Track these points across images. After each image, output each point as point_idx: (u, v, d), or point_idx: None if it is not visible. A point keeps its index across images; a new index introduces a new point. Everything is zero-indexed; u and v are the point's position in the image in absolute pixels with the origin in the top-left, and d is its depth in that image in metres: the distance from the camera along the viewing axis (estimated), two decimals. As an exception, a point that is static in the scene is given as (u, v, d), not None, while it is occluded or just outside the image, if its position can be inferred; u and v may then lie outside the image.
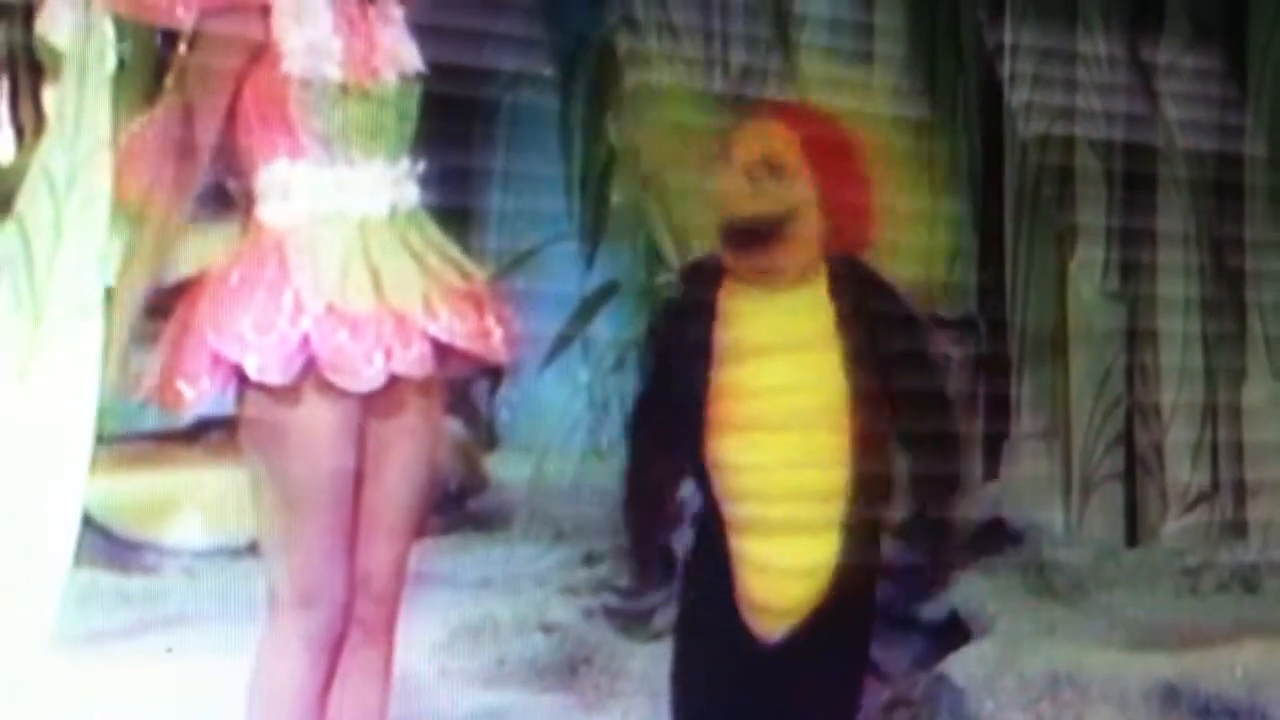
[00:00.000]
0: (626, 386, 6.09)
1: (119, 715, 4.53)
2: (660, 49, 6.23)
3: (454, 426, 6.35)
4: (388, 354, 3.25)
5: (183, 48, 3.32)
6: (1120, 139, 5.78)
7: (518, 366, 3.85)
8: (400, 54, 3.36)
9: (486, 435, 7.39)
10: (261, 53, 3.26)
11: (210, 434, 5.86)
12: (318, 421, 3.25)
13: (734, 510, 3.45)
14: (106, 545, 5.84)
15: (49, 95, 6.27)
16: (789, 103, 4.46)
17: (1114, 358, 5.78)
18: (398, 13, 3.41)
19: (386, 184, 3.33)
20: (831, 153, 3.46)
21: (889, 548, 3.54)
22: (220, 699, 3.58)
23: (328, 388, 3.23)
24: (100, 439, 4.00)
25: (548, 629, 5.02)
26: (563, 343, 6.43)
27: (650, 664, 4.73)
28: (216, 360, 3.23)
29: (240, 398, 3.28)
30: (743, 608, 3.44)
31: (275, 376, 3.21)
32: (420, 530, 3.51)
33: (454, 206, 3.91)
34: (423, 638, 4.70)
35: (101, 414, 3.89)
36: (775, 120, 3.53)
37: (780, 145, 3.45)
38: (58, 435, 4.06)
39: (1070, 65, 5.76)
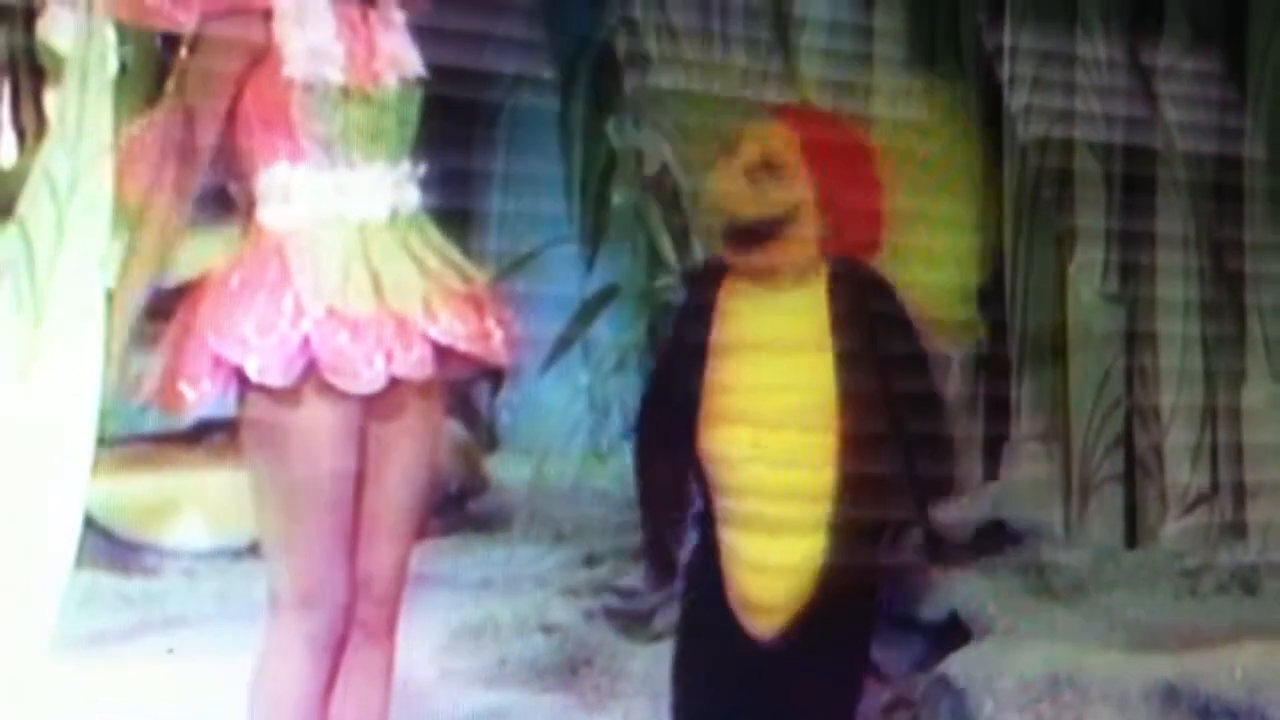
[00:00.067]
0: (627, 389, 6.10)
1: (120, 717, 4.54)
2: (660, 51, 6.24)
3: (455, 428, 6.36)
4: (388, 356, 3.26)
5: (184, 51, 3.33)
6: (1120, 141, 5.78)
7: (518, 369, 3.85)
8: (401, 58, 3.38)
9: (487, 437, 7.41)
10: (263, 56, 3.28)
11: (211, 436, 5.87)
12: (318, 423, 3.26)
13: (726, 505, 3.48)
14: (108, 547, 5.86)
15: (50, 99, 6.29)
16: (790, 104, 4.47)
17: (1113, 360, 5.78)
18: (399, 17, 3.42)
19: (387, 187, 3.34)
20: (831, 154, 3.48)
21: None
22: (222, 700, 3.59)
23: (328, 390, 3.24)
24: (101, 440, 4.00)
25: (548, 630, 5.02)
26: (563, 345, 6.43)
27: (651, 665, 4.74)
28: (217, 362, 3.24)
29: (241, 400, 3.29)
30: (735, 605, 3.46)
31: (276, 379, 3.22)
32: (421, 532, 3.53)
33: (454, 209, 3.91)
34: (424, 639, 4.70)
35: (103, 415, 3.89)
36: (776, 121, 3.55)
37: (779, 146, 3.46)
38: (59, 436, 4.06)
39: (1070, 68, 5.76)
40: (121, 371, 3.33)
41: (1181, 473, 5.70)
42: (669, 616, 4.93)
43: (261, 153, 3.31)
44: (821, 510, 3.41)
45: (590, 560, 5.88)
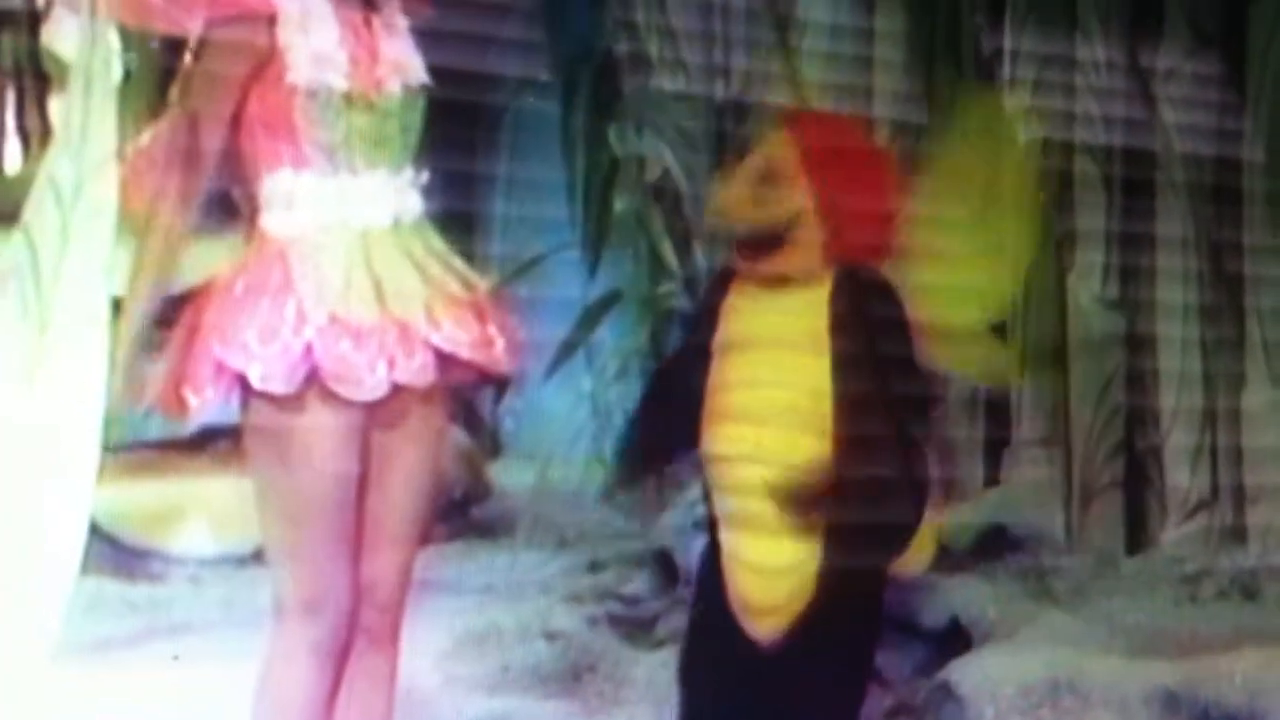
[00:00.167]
0: (629, 394, 6.10)
1: (124, 723, 4.55)
2: (660, 54, 6.25)
3: (458, 435, 6.36)
4: (390, 363, 3.26)
5: (189, 57, 3.33)
6: (1119, 144, 5.80)
7: (521, 375, 3.85)
8: (404, 65, 3.38)
9: (490, 443, 7.41)
10: (267, 62, 3.27)
11: (216, 443, 5.87)
12: (321, 430, 3.27)
13: (724, 504, 3.50)
14: (113, 553, 5.85)
15: (55, 105, 6.30)
16: (795, 110, 4.49)
17: (1114, 364, 5.79)
18: (402, 22, 3.43)
19: (390, 194, 3.35)
20: (835, 161, 3.49)
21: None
22: (226, 706, 3.59)
23: (331, 397, 3.24)
24: (106, 447, 4.01)
25: (551, 636, 5.02)
26: (566, 351, 6.45)
27: (653, 671, 4.74)
28: (221, 369, 3.25)
29: (244, 406, 3.29)
30: (736, 608, 3.47)
31: (279, 386, 3.22)
32: (424, 538, 3.53)
33: (457, 213, 3.92)
34: (427, 645, 4.70)
35: (108, 422, 3.89)
36: (778, 128, 3.58)
37: (780, 153, 3.49)
38: (64, 442, 4.07)
39: (1069, 71, 5.77)
40: (127, 379, 3.33)
41: (1181, 477, 5.71)
42: (672, 623, 4.94)
43: (265, 159, 3.31)
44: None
45: (593, 567, 5.89)
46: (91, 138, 3.95)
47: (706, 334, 3.53)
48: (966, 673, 4.44)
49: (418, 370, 3.29)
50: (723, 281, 3.58)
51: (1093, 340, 5.79)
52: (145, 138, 3.40)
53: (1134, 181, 5.81)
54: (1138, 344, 5.80)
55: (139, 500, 6.00)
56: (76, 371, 3.95)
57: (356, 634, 3.37)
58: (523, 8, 5.78)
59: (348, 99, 3.30)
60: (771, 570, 3.45)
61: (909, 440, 3.48)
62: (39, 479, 4.03)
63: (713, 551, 3.55)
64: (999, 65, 5.83)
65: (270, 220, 3.32)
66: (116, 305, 3.53)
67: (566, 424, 6.55)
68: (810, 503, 3.37)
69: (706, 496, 3.59)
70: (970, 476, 5.78)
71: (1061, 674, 4.35)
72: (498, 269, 4.37)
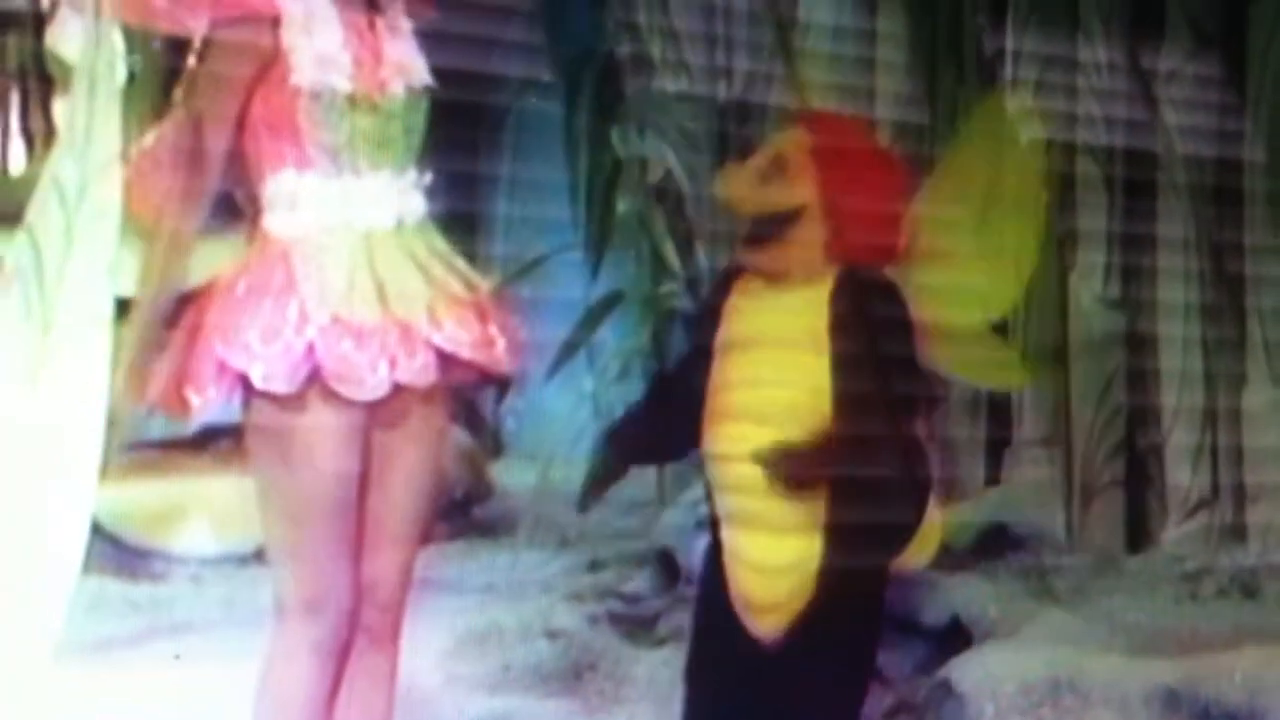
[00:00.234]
0: (631, 395, 6.11)
1: (126, 722, 4.56)
2: (663, 56, 6.25)
3: (459, 434, 6.37)
4: (392, 363, 3.27)
5: (193, 58, 3.34)
6: (1120, 145, 5.80)
7: (522, 375, 3.86)
8: (408, 66, 3.39)
9: (492, 443, 7.42)
10: (271, 63, 3.28)
11: (218, 442, 5.88)
12: (323, 430, 3.28)
13: (725, 502, 3.51)
14: (115, 552, 5.86)
15: (59, 107, 6.30)
16: (811, 110, 4.50)
17: (1115, 363, 5.80)
18: (405, 24, 3.43)
19: (392, 195, 3.35)
20: (843, 160, 3.50)
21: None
22: (227, 705, 3.60)
23: (333, 397, 3.25)
24: (114, 450, 4.02)
25: (553, 635, 5.02)
26: (568, 351, 6.45)
27: (655, 670, 4.75)
28: (223, 369, 3.25)
29: (246, 406, 3.30)
30: (738, 606, 3.48)
31: (281, 385, 3.23)
32: (425, 537, 3.53)
33: (460, 214, 3.93)
34: (428, 644, 4.71)
35: (113, 425, 3.90)
36: (793, 125, 3.61)
37: (790, 147, 3.51)
38: (67, 442, 4.08)
39: (1071, 72, 5.78)
40: (134, 380, 3.33)
41: (1182, 476, 5.72)
42: (673, 622, 4.95)
43: (268, 160, 3.32)
44: (815, 510, 3.43)
45: (594, 566, 5.89)
46: (96, 139, 3.96)
47: (709, 334, 3.55)
48: (967, 671, 4.44)
49: (419, 370, 3.30)
50: (726, 281, 3.60)
51: (1094, 340, 5.79)
52: (149, 139, 3.40)
53: (1135, 182, 5.81)
54: (1139, 344, 5.81)
55: (141, 500, 6.01)
56: (80, 372, 3.97)
57: (357, 633, 3.38)
58: (525, 9, 5.78)
59: (351, 100, 3.31)
60: (773, 568, 3.46)
61: (910, 439, 3.49)
62: (42, 479, 4.04)
63: (714, 550, 3.56)
64: (1001, 67, 5.83)
65: (273, 221, 3.33)
66: (120, 306, 3.54)
67: (568, 424, 6.55)
68: (802, 467, 3.37)
69: (708, 495, 3.60)
70: (971, 475, 5.79)
71: (1062, 672, 4.35)
72: (500, 269, 4.38)
